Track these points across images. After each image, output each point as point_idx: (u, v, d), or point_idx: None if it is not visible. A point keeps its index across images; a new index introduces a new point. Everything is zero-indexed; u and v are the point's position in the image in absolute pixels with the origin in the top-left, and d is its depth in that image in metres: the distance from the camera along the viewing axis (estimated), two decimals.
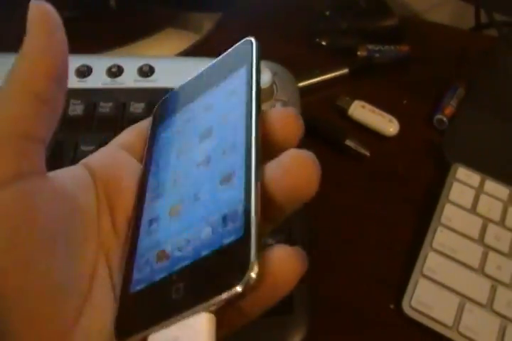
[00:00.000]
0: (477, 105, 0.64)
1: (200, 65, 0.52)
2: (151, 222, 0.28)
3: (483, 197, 0.54)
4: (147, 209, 0.29)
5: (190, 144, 0.30)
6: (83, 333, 0.24)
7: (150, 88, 0.50)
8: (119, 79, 0.50)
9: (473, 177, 0.55)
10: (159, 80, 0.51)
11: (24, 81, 0.24)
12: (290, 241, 0.43)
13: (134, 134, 0.33)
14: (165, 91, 0.49)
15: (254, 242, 0.23)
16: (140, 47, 0.63)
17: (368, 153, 0.59)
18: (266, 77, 0.49)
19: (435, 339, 0.46)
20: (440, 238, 0.50)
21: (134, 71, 0.51)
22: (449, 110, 0.62)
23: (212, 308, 0.22)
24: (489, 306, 0.47)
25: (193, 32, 0.67)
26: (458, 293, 0.47)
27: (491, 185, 0.55)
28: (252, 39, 0.31)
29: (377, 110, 0.62)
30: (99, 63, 0.51)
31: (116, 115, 0.48)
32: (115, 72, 0.50)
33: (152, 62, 0.52)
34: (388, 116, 0.61)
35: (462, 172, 0.55)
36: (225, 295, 0.22)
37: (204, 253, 0.24)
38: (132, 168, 0.31)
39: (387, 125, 0.61)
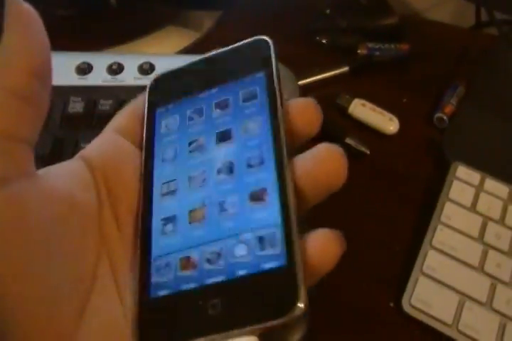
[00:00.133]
0: (477, 104, 0.64)
1: None
2: (165, 221, 0.27)
3: (483, 196, 0.54)
4: (158, 205, 0.28)
5: (205, 141, 0.29)
6: (86, 334, 0.24)
7: None
8: (119, 76, 0.50)
9: (473, 176, 0.55)
10: None
11: (1, 79, 0.23)
12: None
13: (128, 116, 0.32)
14: None
15: (301, 272, 0.23)
16: (140, 45, 0.63)
17: (368, 151, 0.59)
18: None
19: (435, 337, 0.46)
20: (440, 236, 0.50)
21: (134, 68, 0.51)
22: (449, 108, 0.62)
23: (258, 332, 0.23)
24: (489, 304, 0.47)
25: (194, 30, 0.67)
26: (458, 291, 0.47)
27: (491, 184, 0.55)
28: (268, 39, 0.31)
29: (377, 108, 0.62)
30: (100, 60, 0.51)
31: (116, 112, 0.47)
32: (115, 69, 0.51)
33: (152, 60, 0.52)
34: (388, 115, 0.61)
35: (462, 171, 0.55)
36: (274, 323, 0.22)
37: (241, 273, 0.24)
38: (132, 156, 0.30)
39: (388, 123, 0.61)
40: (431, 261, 0.49)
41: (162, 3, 0.68)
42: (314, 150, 0.26)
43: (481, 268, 0.49)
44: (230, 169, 0.27)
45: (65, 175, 0.27)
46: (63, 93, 0.48)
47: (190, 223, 0.27)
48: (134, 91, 0.49)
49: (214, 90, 0.31)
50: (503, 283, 0.48)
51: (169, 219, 0.27)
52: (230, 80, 0.30)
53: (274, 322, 0.22)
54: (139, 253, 0.27)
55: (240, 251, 0.25)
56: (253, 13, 0.72)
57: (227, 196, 0.26)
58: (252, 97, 0.29)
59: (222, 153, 0.28)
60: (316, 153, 0.26)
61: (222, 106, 0.30)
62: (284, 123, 0.27)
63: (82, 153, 0.29)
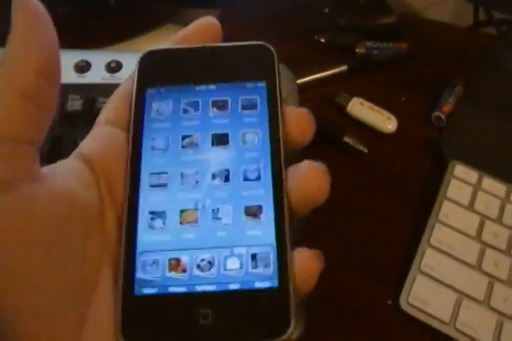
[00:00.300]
0: (475, 103, 0.64)
1: None
2: (153, 215, 0.27)
3: (480, 195, 0.54)
4: (145, 196, 0.27)
5: (199, 140, 0.28)
6: (90, 338, 0.24)
7: None
8: (118, 74, 0.50)
9: (471, 175, 0.55)
10: None
11: (8, 79, 0.23)
12: None
13: (117, 104, 0.30)
14: None
15: (292, 295, 0.24)
16: (139, 43, 0.63)
17: (366, 150, 0.59)
18: None
19: (432, 335, 0.46)
20: (438, 235, 0.50)
21: (132, 67, 0.50)
22: (447, 107, 0.62)
23: None
24: (486, 302, 0.47)
25: None
26: (455, 290, 0.47)
27: (489, 182, 0.55)
28: (273, 49, 0.30)
29: (375, 107, 0.62)
30: (98, 58, 0.51)
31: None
32: (114, 67, 0.51)
33: None
34: (386, 113, 0.61)
35: (460, 170, 0.55)
36: None
37: (233, 287, 0.25)
38: None
39: (386, 122, 0.61)
40: (429, 259, 0.49)
41: (161, 1, 0.68)
42: (298, 170, 0.27)
43: (478, 267, 0.49)
44: (226, 177, 0.27)
45: (66, 174, 0.26)
46: (62, 91, 0.48)
47: (181, 223, 0.26)
48: None
49: (212, 87, 0.30)
50: (500, 281, 0.48)
51: (158, 215, 0.27)
52: (230, 81, 0.30)
53: None
54: (124, 245, 0.26)
55: (233, 264, 0.25)
56: (252, 11, 0.72)
57: (221, 205, 0.26)
58: (252, 106, 0.29)
59: (217, 158, 0.28)
60: (299, 173, 0.27)
61: (220, 106, 0.29)
62: (284, 139, 0.28)
63: (78, 150, 0.28)
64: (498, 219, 0.52)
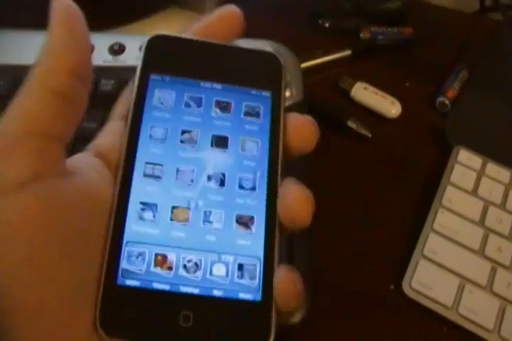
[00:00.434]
0: (480, 88, 0.63)
1: None
2: (144, 206, 0.26)
3: (484, 180, 0.53)
4: (138, 184, 0.27)
5: (198, 138, 0.28)
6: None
7: None
8: (121, 57, 0.50)
9: (475, 160, 0.55)
10: None
11: (43, 77, 0.24)
12: None
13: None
14: None
15: (274, 311, 0.25)
16: (143, 26, 0.63)
17: (369, 135, 0.58)
18: None
19: (435, 319, 0.46)
20: (441, 219, 0.50)
21: (136, 49, 0.50)
22: (451, 93, 0.62)
23: None
24: (489, 288, 0.47)
25: (196, 11, 0.66)
26: (458, 275, 0.47)
27: (493, 168, 0.54)
28: (282, 61, 0.30)
29: (379, 92, 0.61)
30: (101, 41, 0.50)
31: (118, 93, 0.47)
32: (117, 49, 0.50)
33: None
34: (390, 98, 0.61)
35: (464, 155, 0.55)
36: None
37: (217, 293, 0.25)
38: None
39: (390, 107, 0.61)
40: (432, 244, 0.49)
41: None
42: (286, 196, 0.27)
43: (481, 252, 0.49)
44: (221, 181, 0.27)
45: (90, 171, 0.26)
46: None
47: (171, 220, 0.26)
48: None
49: (217, 86, 0.29)
50: (503, 266, 0.48)
51: (149, 206, 0.26)
52: (235, 84, 0.30)
53: None
54: (111, 232, 0.25)
55: (219, 271, 0.26)
56: None
57: (214, 208, 0.27)
58: (254, 114, 0.29)
59: (215, 160, 0.28)
60: (287, 199, 0.27)
61: (223, 107, 0.29)
62: (283, 152, 0.28)
63: (92, 145, 0.28)
64: (502, 205, 0.52)
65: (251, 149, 0.28)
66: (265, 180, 0.28)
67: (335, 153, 0.57)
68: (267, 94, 0.30)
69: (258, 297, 0.25)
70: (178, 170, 0.27)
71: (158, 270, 0.25)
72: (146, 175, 0.27)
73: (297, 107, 0.49)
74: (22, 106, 0.24)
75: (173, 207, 0.26)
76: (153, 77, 0.29)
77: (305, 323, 0.41)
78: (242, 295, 0.25)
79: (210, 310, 0.25)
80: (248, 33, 0.56)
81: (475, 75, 0.65)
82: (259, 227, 0.27)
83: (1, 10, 0.58)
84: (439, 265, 0.47)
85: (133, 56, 0.50)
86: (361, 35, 0.68)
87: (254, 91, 0.30)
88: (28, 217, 0.22)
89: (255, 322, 0.25)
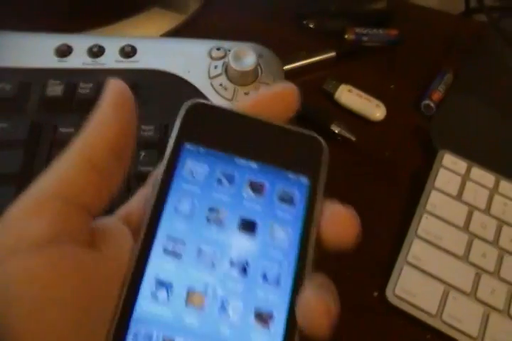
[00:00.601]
0: (465, 91, 0.63)
1: (184, 46, 0.51)
2: (159, 283, 0.25)
3: (469, 185, 0.53)
4: (156, 258, 0.25)
5: (226, 218, 0.26)
6: None
7: (132, 69, 0.49)
8: (100, 59, 0.49)
9: (460, 164, 0.54)
10: (141, 61, 0.49)
11: (83, 149, 0.25)
12: None
13: None
14: (147, 72, 0.48)
15: None
16: (123, 27, 0.62)
17: (353, 138, 0.58)
18: (250, 59, 0.48)
19: (418, 326, 0.45)
20: (425, 225, 0.50)
21: (115, 51, 0.49)
22: (436, 96, 0.62)
23: None
24: (473, 294, 0.46)
25: (179, 12, 0.66)
26: (442, 281, 0.47)
27: (478, 172, 0.54)
28: (325, 145, 0.29)
29: (364, 94, 0.61)
30: (80, 42, 0.50)
31: (96, 96, 0.46)
32: (96, 52, 0.49)
33: (134, 43, 0.50)
34: (375, 101, 0.60)
35: (449, 159, 0.54)
36: None
37: None
38: None
39: (374, 110, 0.60)
40: (416, 250, 0.48)
41: None
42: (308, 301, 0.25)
43: (465, 258, 0.48)
44: (244, 269, 0.25)
45: (111, 241, 0.25)
46: (42, 76, 0.47)
47: (185, 303, 0.24)
48: (115, 74, 0.48)
49: (253, 164, 0.28)
50: (487, 272, 0.48)
51: (164, 285, 0.25)
52: (272, 164, 0.28)
53: None
54: (121, 305, 0.24)
55: None
56: None
57: (232, 298, 0.25)
58: (288, 199, 0.27)
59: (240, 245, 0.26)
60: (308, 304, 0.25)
61: (256, 189, 0.27)
62: (314, 247, 0.26)
63: (123, 212, 0.27)
64: (487, 210, 0.52)
65: (280, 238, 0.26)
66: (291, 275, 0.26)
67: None
68: (304, 179, 0.28)
69: None
70: (200, 251, 0.25)
71: None
72: (165, 251, 0.25)
73: None
74: (56, 171, 0.25)
75: (190, 290, 0.25)
76: (187, 146, 0.28)
77: None
78: None
79: None
80: (231, 33, 0.55)
81: (460, 78, 0.64)
82: (277, 326, 0.25)
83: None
84: (423, 271, 0.47)
85: (113, 58, 0.49)
86: (346, 36, 0.68)
87: (291, 175, 0.28)
88: (36, 275, 0.22)
89: None
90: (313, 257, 0.26)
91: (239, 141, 0.28)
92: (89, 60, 0.49)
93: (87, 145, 0.25)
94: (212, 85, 0.49)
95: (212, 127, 0.28)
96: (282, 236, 0.26)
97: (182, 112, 0.28)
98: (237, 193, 0.27)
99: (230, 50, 0.49)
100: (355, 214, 0.27)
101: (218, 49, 0.50)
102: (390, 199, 0.54)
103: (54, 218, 0.23)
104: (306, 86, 0.63)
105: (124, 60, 0.49)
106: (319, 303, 0.25)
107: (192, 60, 0.50)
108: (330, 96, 0.61)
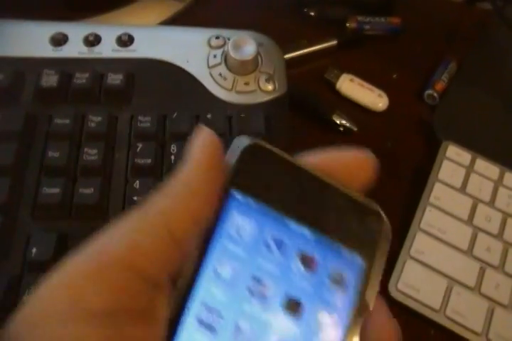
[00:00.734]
0: (469, 81, 0.62)
1: (182, 35, 0.50)
2: None
3: (473, 177, 0.52)
4: (188, 327, 0.22)
5: (269, 292, 0.23)
6: None
7: (129, 58, 0.48)
8: (96, 48, 0.48)
9: (464, 156, 0.53)
10: (139, 50, 0.48)
11: (165, 219, 0.22)
12: None
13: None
14: (145, 61, 0.47)
15: None
16: (120, 15, 0.60)
17: (355, 128, 0.57)
18: (250, 48, 0.47)
19: (422, 322, 0.45)
20: (429, 218, 0.49)
21: (112, 40, 0.48)
22: (440, 85, 0.60)
23: None
24: (477, 289, 0.45)
25: (177, 0, 0.64)
26: (446, 276, 0.46)
27: (482, 164, 0.53)
28: (387, 222, 0.26)
29: (366, 84, 0.60)
30: (76, 31, 0.48)
31: (92, 86, 0.45)
32: (92, 40, 0.48)
33: (131, 31, 0.49)
34: (377, 91, 0.59)
35: (453, 151, 0.53)
36: None
37: None
38: None
39: (376, 100, 0.59)
40: (419, 244, 0.47)
41: None
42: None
43: (470, 252, 0.47)
44: None
45: None
46: (36, 65, 0.46)
47: None
48: (112, 63, 0.47)
49: (307, 233, 0.24)
50: (492, 267, 0.47)
51: None
52: (327, 236, 0.24)
53: None
54: None
55: None
56: None
57: None
58: (340, 281, 0.24)
59: (281, 326, 0.23)
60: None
61: (306, 263, 0.24)
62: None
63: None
64: (491, 203, 0.51)
65: (325, 324, 0.23)
66: None
67: (319, 147, 0.55)
68: (360, 259, 0.25)
69: None
70: (237, 327, 0.22)
71: None
72: (199, 320, 0.22)
73: (280, 101, 0.48)
74: (129, 235, 0.22)
75: None
76: (237, 196, 0.24)
77: None
78: None
79: None
80: (230, 21, 0.54)
81: (464, 67, 0.63)
82: None
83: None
84: (427, 266, 0.46)
85: (109, 47, 0.48)
86: (348, 24, 0.66)
87: (346, 252, 0.24)
88: None
89: None
90: None
91: (295, 199, 0.25)
92: (85, 49, 0.48)
93: (170, 216, 0.22)
94: (211, 75, 0.48)
95: (267, 177, 0.25)
96: (328, 322, 0.23)
97: (236, 152, 0.25)
98: (286, 264, 0.24)
99: (229, 39, 0.48)
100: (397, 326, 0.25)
101: (217, 37, 0.49)
102: (392, 191, 0.53)
103: (117, 290, 0.21)
104: (307, 75, 0.62)
105: (121, 49, 0.48)
106: None
107: (190, 49, 0.49)
108: (331, 86, 0.60)
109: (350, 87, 0.60)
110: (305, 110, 0.57)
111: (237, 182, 0.24)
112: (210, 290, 0.23)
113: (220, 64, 0.48)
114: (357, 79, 0.60)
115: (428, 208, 0.49)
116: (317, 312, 0.23)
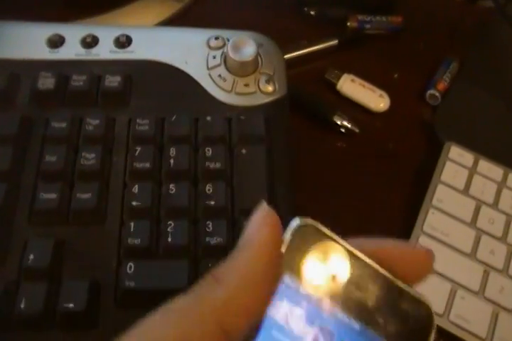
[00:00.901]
0: (471, 80, 0.61)
1: (181, 36, 0.49)
2: None
3: (476, 178, 0.51)
4: None
5: None
6: None
7: (127, 60, 0.47)
8: (93, 50, 0.47)
9: (467, 157, 0.53)
10: (137, 51, 0.47)
11: (220, 313, 0.21)
12: None
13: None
14: (143, 63, 0.47)
15: None
16: (117, 16, 0.60)
17: (357, 129, 0.56)
18: (250, 49, 0.46)
19: None
20: (431, 220, 0.48)
21: (110, 41, 0.48)
22: (442, 85, 0.60)
23: None
24: (481, 293, 0.45)
25: (174, 0, 0.64)
26: (449, 279, 0.45)
27: (485, 165, 0.52)
28: (434, 321, 0.24)
29: (367, 84, 0.59)
30: (73, 32, 0.48)
31: (90, 89, 0.44)
32: (90, 42, 0.47)
33: (129, 32, 0.48)
34: (379, 91, 0.59)
35: (455, 152, 0.53)
36: None
37: None
38: None
39: (378, 100, 0.58)
40: None
41: None
42: None
43: (473, 255, 0.47)
44: None
45: None
46: (32, 68, 0.45)
47: None
48: (110, 65, 0.47)
49: (356, 326, 0.23)
50: (496, 270, 0.46)
51: None
52: (373, 330, 0.23)
53: None
54: None
55: None
56: None
57: None
58: None
59: None
60: None
61: None
62: None
63: None
64: (495, 205, 0.50)
65: None
66: None
67: (320, 148, 0.55)
68: None
69: None
70: None
71: None
72: None
73: (281, 103, 0.47)
74: (178, 325, 0.21)
75: None
76: (286, 280, 0.23)
77: None
78: None
79: None
80: (229, 21, 0.53)
81: (466, 66, 0.62)
82: None
83: None
84: None
85: (107, 49, 0.47)
86: (348, 24, 0.66)
87: None
88: None
89: None
90: None
91: (345, 288, 0.24)
92: (82, 50, 0.47)
93: (222, 310, 0.21)
94: (210, 76, 0.47)
95: (317, 262, 0.24)
96: None
97: (288, 234, 0.24)
98: None
99: (228, 40, 0.47)
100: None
101: (217, 38, 0.49)
102: (394, 193, 0.53)
103: None
104: (307, 75, 0.62)
105: (118, 50, 0.47)
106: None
107: (189, 50, 0.48)
108: (332, 86, 0.60)
109: (351, 87, 0.59)
110: (305, 111, 0.57)
111: (288, 267, 0.23)
112: None
113: (219, 65, 0.47)
114: (358, 80, 0.59)
115: (431, 211, 0.49)
116: None
